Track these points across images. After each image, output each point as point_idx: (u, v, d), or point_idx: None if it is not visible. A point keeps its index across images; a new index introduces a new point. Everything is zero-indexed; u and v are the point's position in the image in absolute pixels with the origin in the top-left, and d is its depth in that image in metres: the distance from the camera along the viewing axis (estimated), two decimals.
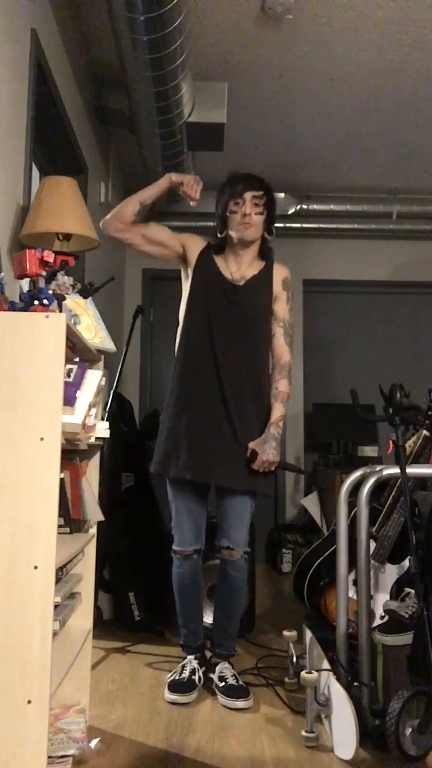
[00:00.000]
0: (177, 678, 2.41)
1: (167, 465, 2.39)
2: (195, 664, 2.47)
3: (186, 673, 2.42)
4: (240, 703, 2.30)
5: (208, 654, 2.58)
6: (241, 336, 2.43)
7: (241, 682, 2.39)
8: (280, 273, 2.54)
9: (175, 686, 2.37)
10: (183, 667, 2.47)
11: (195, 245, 2.51)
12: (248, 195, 2.41)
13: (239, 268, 2.49)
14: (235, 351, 2.42)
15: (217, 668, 2.46)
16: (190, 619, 2.51)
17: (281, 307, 2.53)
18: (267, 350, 2.52)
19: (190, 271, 2.50)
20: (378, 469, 2.21)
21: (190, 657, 2.50)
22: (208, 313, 2.43)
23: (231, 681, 2.38)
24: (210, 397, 2.39)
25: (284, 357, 2.52)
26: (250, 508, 2.46)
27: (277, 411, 2.44)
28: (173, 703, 2.33)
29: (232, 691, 2.34)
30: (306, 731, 2.04)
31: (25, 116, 2.36)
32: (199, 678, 2.43)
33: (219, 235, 2.48)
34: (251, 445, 2.37)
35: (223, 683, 2.38)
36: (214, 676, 2.43)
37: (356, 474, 2.27)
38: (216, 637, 2.54)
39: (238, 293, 2.44)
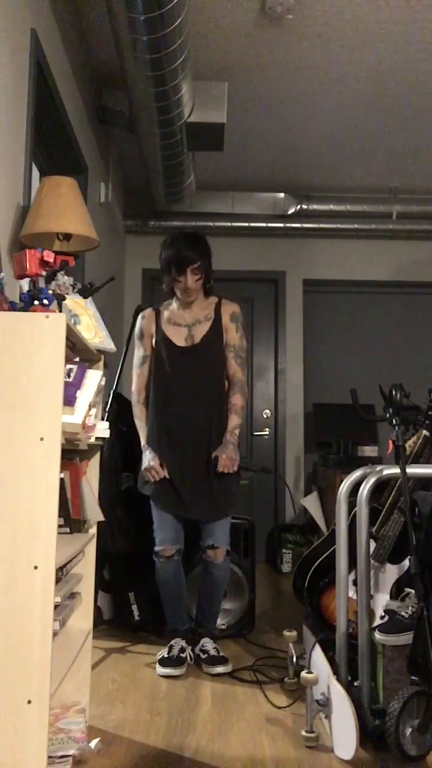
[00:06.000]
0: (167, 655, 2.66)
1: (161, 501, 2.73)
2: (183, 643, 2.72)
3: (175, 651, 2.67)
4: (219, 668, 2.63)
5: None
6: (199, 383, 2.75)
7: (221, 654, 2.71)
8: (227, 310, 2.86)
9: (166, 662, 2.62)
10: (171, 646, 2.70)
11: (151, 326, 2.87)
12: (188, 270, 2.73)
13: (191, 311, 2.84)
14: (195, 399, 2.74)
15: (201, 642, 2.75)
16: (176, 608, 2.79)
17: (231, 335, 2.84)
18: (223, 382, 2.82)
19: (153, 341, 2.87)
20: (378, 469, 2.21)
21: (178, 638, 2.74)
22: (167, 375, 2.77)
23: (212, 652, 2.70)
24: (181, 443, 2.73)
25: (237, 375, 2.83)
26: (229, 518, 2.79)
27: (233, 421, 2.77)
28: (166, 677, 2.57)
29: (213, 660, 2.66)
30: (306, 731, 2.04)
31: (25, 116, 2.36)
32: (189, 656, 2.69)
33: (166, 288, 2.85)
34: (214, 453, 2.69)
35: (206, 654, 2.70)
36: (197, 649, 2.74)
37: (356, 474, 2.27)
38: (199, 619, 2.85)
39: (191, 353, 2.78)
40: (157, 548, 2.72)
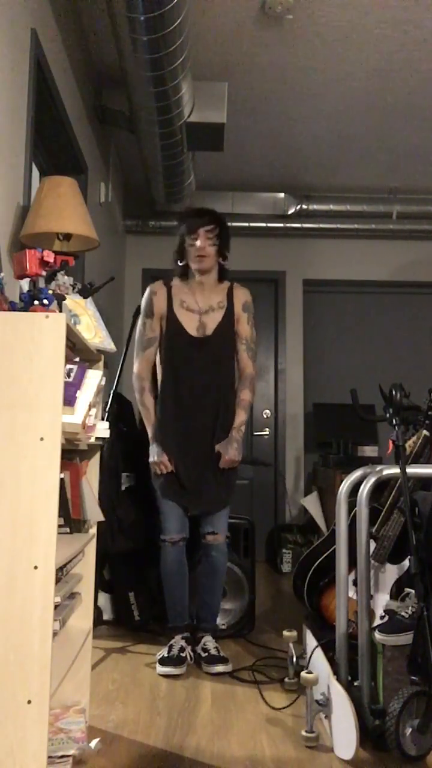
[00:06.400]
0: (167, 655, 2.65)
1: (166, 492, 2.74)
2: (182, 642, 2.70)
3: (175, 651, 2.66)
4: (219, 667, 2.62)
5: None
6: (208, 376, 2.73)
7: (222, 654, 2.69)
8: (240, 298, 2.82)
9: (166, 661, 2.62)
10: (171, 646, 2.69)
11: (162, 304, 2.76)
12: (201, 231, 2.67)
13: (203, 294, 2.77)
14: (205, 390, 2.72)
15: (202, 641, 2.74)
16: (177, 602, 2.77)
17: (243, 327, 2.81)
18: (232, 372, 2.81)
19: (164, 323, 2.77)
20: (378, 469, 2.21)
21: (177, 636, 2.73)
22: (177, 365, 2.73)
23: (213, 652, 2.69)
24: (187, 436, 2.71)
25: (247, 369, 2.81)
26: (228, 508, 2.82)
27: (239, 417, 2.76)
28: (166, 676, 2.57)
29: (213, 659, 2.65)
30: (306, 731, 2.04)
31: (25, 116, 2.36)
32: (189, 655, 2.68)
33: (180, 263, 2.77)
34: (217, 447, 2.71)
35: (206, 653, 2.68)
36: (198, 648, 2.72)
37: (356, 474, 2.27)
38: (200, 614, 2.82)
39: (203, 344, 2.73)
40: (163, 536, 2.76)
